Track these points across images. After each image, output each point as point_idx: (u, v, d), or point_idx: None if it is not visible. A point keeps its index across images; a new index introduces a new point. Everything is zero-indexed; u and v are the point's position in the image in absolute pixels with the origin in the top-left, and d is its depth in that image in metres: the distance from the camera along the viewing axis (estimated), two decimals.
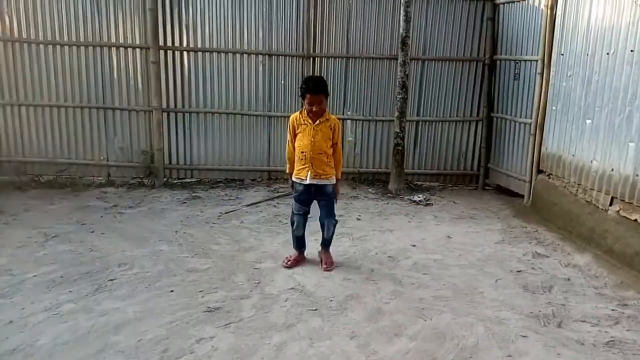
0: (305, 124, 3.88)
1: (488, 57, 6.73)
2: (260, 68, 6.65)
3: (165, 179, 6.74)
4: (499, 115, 6.72)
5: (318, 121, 3.84)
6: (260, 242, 4.75)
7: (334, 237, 4.23)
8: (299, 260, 4.19)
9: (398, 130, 6.44)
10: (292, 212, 4.14)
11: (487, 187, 7.12)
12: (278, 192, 6.48)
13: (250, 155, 6.85)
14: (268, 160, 6.90)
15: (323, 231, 4.12)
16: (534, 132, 5.87)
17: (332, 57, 6.69)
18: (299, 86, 4.06)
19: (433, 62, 6.77)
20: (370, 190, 6.66)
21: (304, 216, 4.08)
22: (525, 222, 5.54)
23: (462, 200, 6.42)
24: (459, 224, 5.46)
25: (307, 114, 3.86)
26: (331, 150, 3.92)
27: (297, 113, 3.96)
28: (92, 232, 4.90)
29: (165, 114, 6.60)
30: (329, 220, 4.04)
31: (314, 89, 3.74)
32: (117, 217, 5.37)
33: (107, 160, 6.68)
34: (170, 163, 6.74)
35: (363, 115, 6.86)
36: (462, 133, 6.98)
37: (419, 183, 7.11)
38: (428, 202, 6.22)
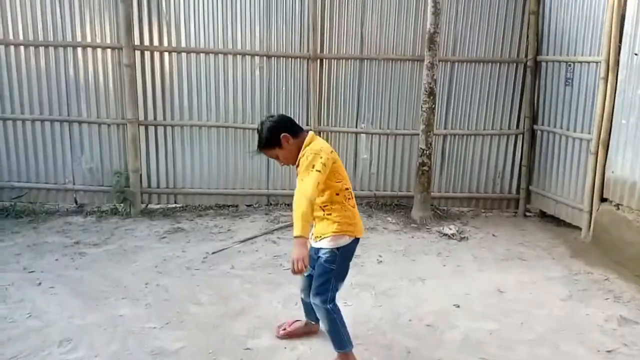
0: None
1: (531, 58, 5.59)
2: (257, 72, 5.54)
3: (143, 206, 5.61)
4: (545, 128, 5.58)
5: (302, 160, 2.66)
6: (255, 299, 3.63)
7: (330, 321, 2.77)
8: (301, 332, 3.06)
9: (424, 147, 5.31)
10: None
11: (528, 214, 5.97)
12: (279, 222, 5.35)
13: (245, 176, 5.72)
14: (267, 182, 5.77)
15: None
16: (594, 150, 4.73)
17: (344, 58, 5.57)
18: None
19: (464, 64, 5.64)
20: (389, 219, 5.51)
21: (308, 280, 2.88)
22: (589, 266, 4.39)
23: (502, 232, 5.28)
24: (508, 269, 4.31)
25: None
26: (325, 199, 2.68)
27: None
28: (39, 284, 3.80)
29: (142, 128, 5.48)
30: (314, 301, 2.72)
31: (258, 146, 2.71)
32: (75, 261, 4.25)
33: (73, 184, 5.56)
34: (149, 186, 5.62)
35: (380, 128, 5.73)
36: (498, 149, 5.84)
37: (447, 208, 5.97)
38: (462, 236, 5.08)
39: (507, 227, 5.49)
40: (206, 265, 4.25)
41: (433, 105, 5.23)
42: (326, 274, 2.61)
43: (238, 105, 5.57)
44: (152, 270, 4.11)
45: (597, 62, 4.74)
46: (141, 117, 5.44)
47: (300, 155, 2.56)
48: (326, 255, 2.59)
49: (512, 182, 5.94)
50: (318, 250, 2.64)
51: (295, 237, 2.31)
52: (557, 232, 5.28)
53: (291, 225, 5.33)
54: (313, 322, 3.09)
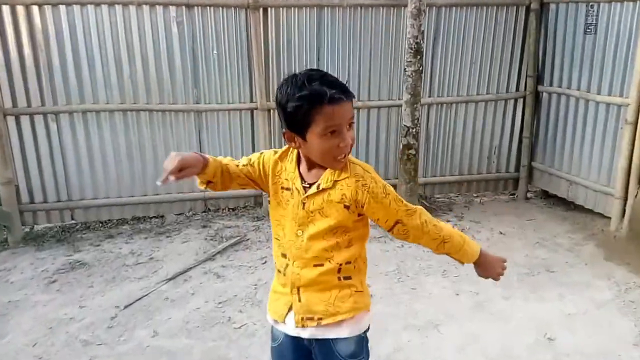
0: (288, 187, 1.48)
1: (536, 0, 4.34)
2: (175, 30, 3.93)
3: (25, 230, 3.99)
4: (554, 89, 4.41)
5: (319, 184, 1.44)
6: None
7: None
8: None
9: (409, 124, 3.99)
10: None
11: (529, 195, 4.89)
12: (222, 238, 3.92)
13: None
14: None
15: None
16: (633, 118, 3.62)
17: (295, 6, 4.05)
18: (283, 95, 1.36)
19: (453, 8, 4.29)
20: None
21: None
22: (636, 273, 3.37)
23: (509, 227, 4.16)
24: (540, 292, 3.18)
25: (301, 164, 1.49)
26: (352, 253, 1.47)
27: (274, 154, 1.53)
28: None
29: (10, 120, 3.78)
30: None
31: (339, 91, 1.34)
32: None
33: None
34: (31, 202, 3.98)
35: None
36: (494, 118, 4.64)
37: (435, 197, 4.77)
38: None
39: (511, 218, 4.37)
40: (115, 333, 2.81)
41: (420, 68, 3.87)
42: None
43: (150, 79, 3.96)
44: (27, 353, 2.63)
45: (636, 0, 3.55)
46: (6, 104, 3.73)
47: (348, 171, 1.43)
48: (350, 348, 1.49)
49: (509, 158, 4.80)
50: (326, 343, 1.49)
51: (475, 261, 1.55)
52: (575, 222, 4.22)
53: (239, 242, 4.01)
54: None
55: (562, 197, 4.48)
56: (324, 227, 1.42)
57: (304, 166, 1.46)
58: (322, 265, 1.44)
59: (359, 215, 1.44)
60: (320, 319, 1.45)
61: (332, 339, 1.47)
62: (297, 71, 1.38)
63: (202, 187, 1.51)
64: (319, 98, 1.30)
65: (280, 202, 1.48)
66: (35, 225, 4.07)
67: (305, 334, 1.48)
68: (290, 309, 1.49)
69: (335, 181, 1.40)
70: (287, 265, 1.48)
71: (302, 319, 1.47)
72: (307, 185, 1.44)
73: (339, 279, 1.46)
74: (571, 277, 3.38)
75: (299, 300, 1.47)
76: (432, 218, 1.48)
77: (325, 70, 1.45)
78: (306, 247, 1.44)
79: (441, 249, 1.48)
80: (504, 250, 3.74)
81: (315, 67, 4.18)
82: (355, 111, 4.31)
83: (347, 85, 1.37)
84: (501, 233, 4.06)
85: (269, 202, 1.53)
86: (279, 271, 1.52)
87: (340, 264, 1.45)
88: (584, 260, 3.61)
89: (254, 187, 1.56)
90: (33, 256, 3.71)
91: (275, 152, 1.51)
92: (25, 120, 3.80)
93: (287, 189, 1.47)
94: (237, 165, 1.53)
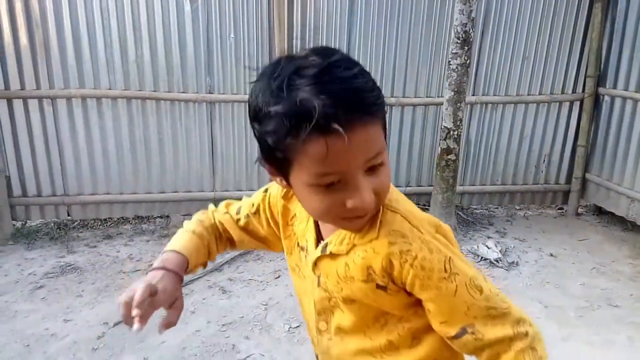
0: (303, 247, 0.89)
1: None
2: (188, 8, 3.48)
3: (16, 225, 3.61)
4: (618, 92, 3.82)
5: (326, 243, 0.84)
6: None
7: None
8: None
9: (450, 126, 3.47)
10: None
11: (579, 210, 4.32)
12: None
13: (179, 172, 3.76)
14: (212, 179, 3.83)
15: None
16: None
17: None
18: (252, 100, 0.74)
19: None
20: None
21: None
22: None
23: (560, 248, 3.62)
24: (605, 334, 2.65)
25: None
26: (425, 354, 0.85)
27: (282, 190, 0.93)
28: None
29: (2, 102, 3.39)
30: None
31: (346, 106, 0.66)
32: None
33: None
34: (23, 195, 3.59)
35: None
36: (546, 122, 4.07)
37: (473, 208, 4.24)
38: (510, 261, 3.37)
39: (562, 236, 3.83)
40: (99, 357, 2.39)
41: (468, 61, 3.35)
42: None
43: (159, 64, 3.52)
44: None
45: None
46: (1, 86, 3.34)
47: (386, 226, 0.80)
48: None
49: (560, 169, 4.23)
50: None
51: None
52: (636, 246, 3.69)
53: (250, 251, 3.56)
54: None
55: (620, 215, 3.91)
56: (356, 316, 0.85)
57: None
58: None
59: (410, 294, 0.81)
60: None
61: None
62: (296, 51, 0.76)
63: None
64: (301, 122, 0.66)
65: (297, 268, 0.93)
66: (27, 221, 3.69)
67: None
68: None
69: (355, 244, 0.81)
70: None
71: None
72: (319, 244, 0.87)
73: None
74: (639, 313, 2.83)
75: None
76: (542, 348, 0.82)
77: (355, 57, 0.84)
78: (336, 350, 0.89)
79: None
80: (557, 276, 3.21)
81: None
82: (388, 109, 3.82)
83: (374, 84, 0.71)
84: (551, 255, 3.52)
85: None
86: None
87: None
88: None
89: (269, 249, 1.02)
90: (21, 256, 3.33)
91: (277, 193, 0.95)
92: (18, 105, 3.40)
93: (303, 248, 0.91)
94: (238, 220, 0.99)
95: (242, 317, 2.71)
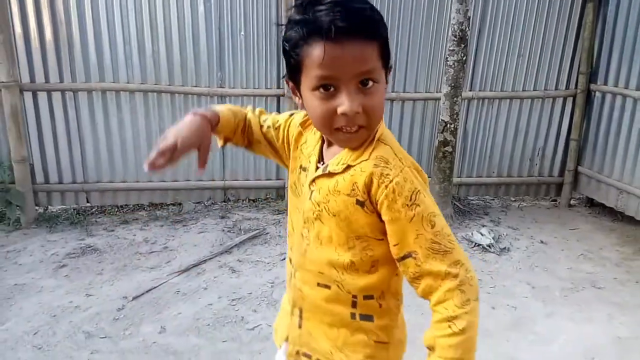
0: (305, 167, 1.08)
1: None
2: (202, 8, 3.70)
3: (39, 210, 3.85)
4: (608, 88, 4.01)
5: (327, 165, 1.01)
6: None
7: None
8: None
9: (447, 119, 3.68)
10: None
11: (572, 202, 4.51)
12: (240, 230, 3.70)
13: (191, 161, 3.98)
14: (222, 169, 4.06)
15: None
16: None
17: None
18: (287, 19, 0.94)
19: None
20: None
21: None
22: None
23: (551, 236, 3.81)
24: (587, 311, 2.85)
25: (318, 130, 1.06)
26: (375, 283, 1.02)
27: (302, 117, 1.13)
28: None
29: (27, 95, 3.63)
30: None
31: (349, 20, 0.85)
32: None
33: None
34: (46, 182, 3.83)
35: None
36: (540, 117, 4.27)
37: (469, 199, 4.44)
38: (502, 247, 3.58)
39: (553, 226, 4.02)
40: (120, 326, 2.61)
41: (464, 57, 3.55)
42: None
43: (174, 59, 3.75)
44: (26, 342, 2.46)
45: None
46: (24, 79, 3.58)
47: (374, 153, 0.97)
48: None
49: (554, 162, 4.42)
50: None
51: None
52: (623, 234, 3.86)
53: (258, 235, 3.81)
54: None
55: (610, 206, 4.10)
56: (332, 233, 1.00)
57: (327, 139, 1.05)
58: (328, 287, 1.03)
59: (382, 220, 0.95)
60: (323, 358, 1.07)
61: None
62: None
63: (220, 145, 1.18)
64: (311, 29, 0.86)
65: (295, 186, 1.10)
66: (49, 207, 3.93)
67: None
68: (285, 329, 1.15)
69: (349, 165, 0.96)
70: (291, 274, 1.12)
71: (298, 352, 1.10)
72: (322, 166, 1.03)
73: (353, 316, 1.03)
74: (621, 295, 3.03)
75: (299, 327, 1.09)
76: (474, 290, 0.92)
77: None
78: (310, 254, 1.04)
79: (445, 334, 0.90)
80: (546, 261, 3.41)
81: None
82: (389, 103, 4.04)
83: (380, 18, 0.91)
84: (542, 242, 3.71)
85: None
86: (291, 273, 1.13)
87: (355, 297, 1.02)
88: (634, 277, 3.25)
89: (277, 160, 1.20)
90: (44, 238, 3.56)
91: (299, 120, 1.12)
92: (42, 97, 3.64)
93: (305, 169, 1.07)
94: (262, 126, 1.17)
95: (250, 293, 2.94)
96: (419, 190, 0.93)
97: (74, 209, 3.94)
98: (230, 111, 1.13)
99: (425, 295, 0.94)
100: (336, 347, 1.04)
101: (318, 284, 1.04)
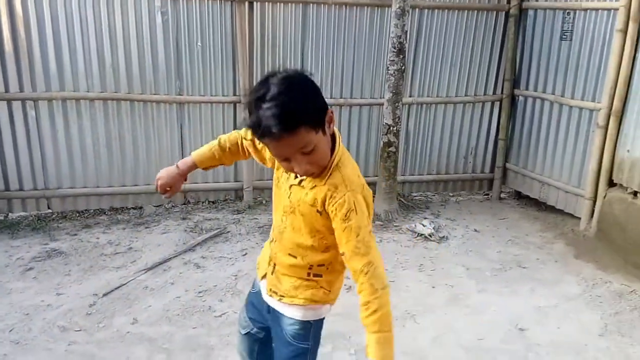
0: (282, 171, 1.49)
1: (515, 5, 4.47)
2: (159, 20, 3.91)
3: (0, 217, 3.92)
4: (529, 93, 4.55)
5: (302, 179, 1.41)
6: None
7: None
8: None
9: (390, 122, 4.07)
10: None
11: (502, 196, 5.03)
12: (202, 230, 3.91)
13: (151, 165, 4.17)
14: None
15: None
16: (604, 122, 3.77)
17: (281, 1, 4.08)
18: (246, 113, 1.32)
19: (435, 11, 4.39)
20: None
21: (248, 340, 1.74)
22: (603, 270, 3.53)
23: (483, 225, 4.27)
24: (513, 286, 3.30)
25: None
26: (326, 257, 1.47)
27: None
28: None
29: None
30: None
31: (276, 125, 1.19)
32: None
33: None
34: (6, 189, 3.90)
35: (331, 96, 4.38)
36: (472, 119, 4.76)
37: (413, 195, 4.86)
38: (441, 236, 3.99)
39: (486, 216, 4.49)
40: (94, 319, 2.79)
41: (403, 67, 3.96)
42: (298, 356, 1.54)
43: (133, 69, 3.93)
44: (3, 338, 2.59)
45: (610, 10, 3.70)
46: None
47: (331, 177, 1.35)
48: (295, 328, 1.53)
49: (485, 160, 4.93)
50: (279, 315, 1.56)
51: None
52: (546, 222, 4.36)
53: (219, 234, 4.05)
54: None
55: (535, 197, 4.62)
56: (301, 226, 1.42)
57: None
58: (294, 257, 1.47)
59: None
60: (282, 296, 1.52)
61: (283, 315, 1.53)
62: (278, 68, 1.33)
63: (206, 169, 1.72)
64: (260, 134, 1.23)
65: (278, 181, 1.50)
66: (9, 214, 3.99)
67: (269, 301, 1.58)
68: (265, 276, 1.60)
69: (315, 185, 1.36)
70: (272, 240, 1.56)
71: (270, 289, 1.56)
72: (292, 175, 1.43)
73: (309, 274, 1.48)
74: (542, 273, 3.50)
75: (272, 274, 1.55)
76: (381, 281, 1.31)
77: (308, 67, 1.47)
78: (285, 236, 1.47)
79: (365, 315, 1.32)
80: (479, 247, 3.86)
81: (299, 61, 4.23)
82: (338, 108, 4.39)
83: (306, 109, 1.21)
84: (476, 230, 4.16)
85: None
86: (272, 238, 1.57)
87: (312, 265, 1.47)
88: (554, 257, 3.74)
89: (265, 164, 1.62)
90: (7, 244, 3.63)
91: None
92: (2, 106, 3.72)
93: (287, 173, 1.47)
94: (242, 144, 1.61)
95: (215, 285, 3.17)
96: (353, 210, 1.31)
97: (35, 216, 4.02)
98: (210, 151, 1.63)
99: (355, 277, 1.35)
100: (293, 287, 1.50)
101: (289, 254, 1.49)
